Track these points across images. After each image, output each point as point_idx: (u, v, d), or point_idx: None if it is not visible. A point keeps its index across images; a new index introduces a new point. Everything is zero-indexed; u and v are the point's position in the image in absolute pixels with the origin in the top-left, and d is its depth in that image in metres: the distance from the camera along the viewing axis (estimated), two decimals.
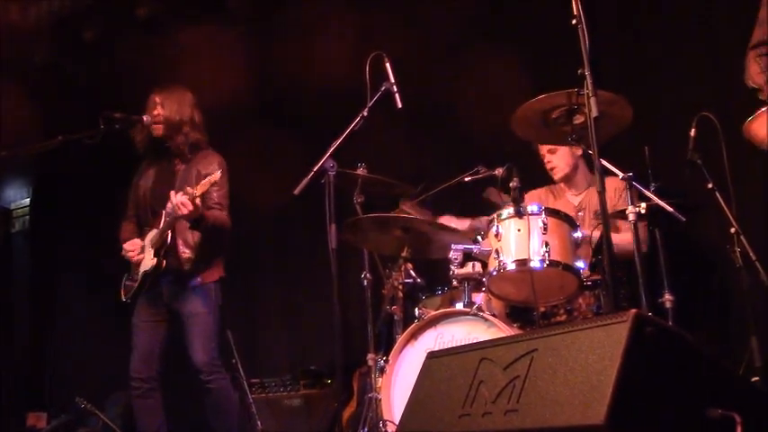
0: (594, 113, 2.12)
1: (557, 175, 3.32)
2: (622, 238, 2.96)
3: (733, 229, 2.66)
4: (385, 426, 2.78)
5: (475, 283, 2.82)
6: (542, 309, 2.82)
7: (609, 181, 2.55)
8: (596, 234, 2.75)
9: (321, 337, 4.37)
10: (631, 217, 2.62)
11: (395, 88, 2.87)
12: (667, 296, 2.69)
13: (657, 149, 2.86)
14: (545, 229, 2.61)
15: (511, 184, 2.74)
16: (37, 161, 5.68)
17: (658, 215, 2.73)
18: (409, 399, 2.05)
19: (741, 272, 2.66)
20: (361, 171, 3.14)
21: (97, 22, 5.19)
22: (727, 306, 3.21)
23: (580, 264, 2.67)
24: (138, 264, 3.23)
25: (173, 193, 3.01)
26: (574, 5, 2.20)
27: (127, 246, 3.25)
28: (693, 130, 2.75)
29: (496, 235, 2.69)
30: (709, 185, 2.73)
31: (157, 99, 3.25)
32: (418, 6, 4.32)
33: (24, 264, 6.07)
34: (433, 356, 2.10)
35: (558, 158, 3.27)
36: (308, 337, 4.66)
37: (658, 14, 3.70)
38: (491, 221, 2.74)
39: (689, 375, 1.58)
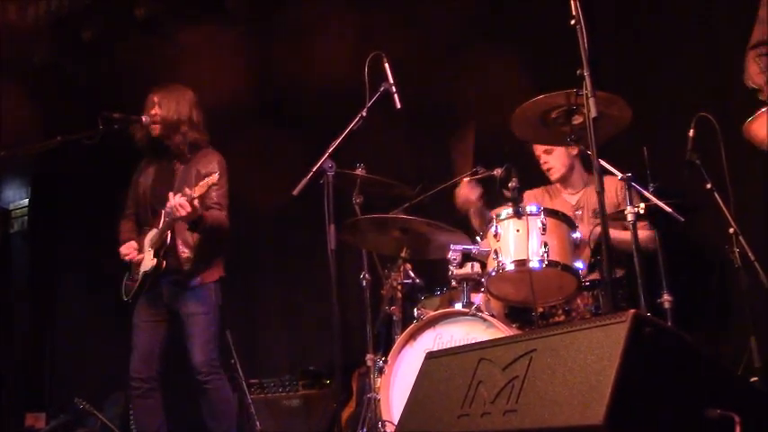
0: (593, 114, 2.12)
1: (553, 176, 3.32)
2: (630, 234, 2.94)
3: (732, 230, 2.67)
4: (384, 426, 2.78)
5: (474, 283, 2.82)
6: (541, 309, 2.82)
7: (608, 180, 2.55)
8: (597, 230, 2.74)
9: (320, 338, 4.37)
10: (630, 217, 2.62)
11: (393, 88, 2.87)
12: (666, 296, 2.70)
13: (656, 150, 2.86)
14: (544, 229, 2.62)
15: (510, 185, 2.74)
16: (36, 161, 5.68)
17: (657, 215, 2.73)
18: (408, 399, 2.05)
19: (740, 272, 2.66)
20: (359, 171, 3.14)
21: (97, 22, 5.18)
22: (726, 306, 3.21)
23: (579, 264, 2.67)
24: (139, 264, 3.23)
25: (171, 194, 3.01)
26: (572, 6, 2.20)
27: (122, 249, 3.25)
28: (692, 130, 2.75)
29: (495, 235, 2.69)
30: (708, 186, 2.73)
31: (155, 99, 3.25)
32: (418, 6, 4.32)
33: (23, 264, 6.07)
34: (431, 357, 2.10)
35: (555, 159, 3.27)
36: (307, 337, 4.65)
37: (657, 15, 3.70)
38: (491, 221, 2.74)
39: (688, 375, 1.58)
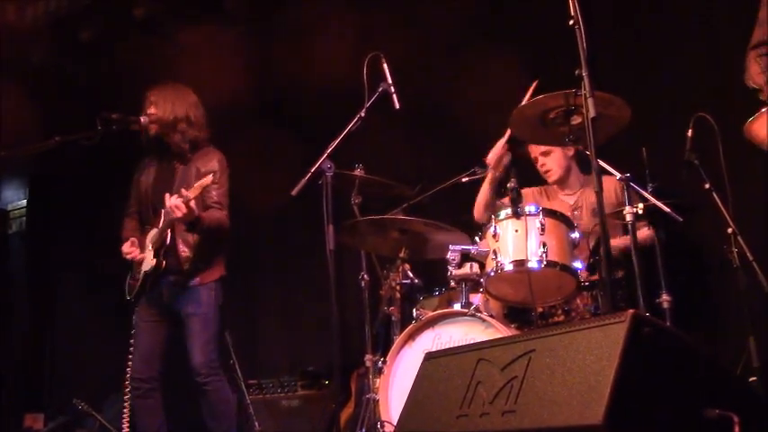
0: (592, 114, 2.12)
1: (551, 178, 3.31)
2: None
3: (730, 230, 2.67)
4: (383, 427, 2.78)
5: (472, 283, 2.82)
6: (540, 309, 2.82)
7: (607, 180, 2.55)
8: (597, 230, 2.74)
9: (319, 338, 4.37)
10: (629, 217, 2.62)
11: (392, 89, 2.87)
12: (665, 296, 2.70)
13: (655, 150, 2.86)
14: (542, 229, 2.62)
15: (508, 185, 2.74)
16: (34, 162, 5.67)
17: (656, 215, 2.73)
18: (407, 399, 2.05)
19: (738, 272, 2.66)
20: (358, 172, 3.14)
21: (96, 22, 5.18)
22: (725, 306, 3.21)
23: (578, 264, 2.67)
24: (141, 263, 3.22)
25: (167, 195, 3.00)
26: (571, 6, 2.20)
27: (124, 248, 3.25)
28: (690, 130, 2.75)
29: (494, 236, 2.69)
30: (707, 186, 2.73)
31: (151, 98, 3.24)
32: (418, 6, 4.32)
33: (21, 265, 6.06)
34: (430, 357, 2.10)
35: (552, 161, 3.27)
36: (306, 337, 4.65)
37: (656, 15, 3.70)
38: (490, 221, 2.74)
39: (686, 375, 1.58)
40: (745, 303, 2.65)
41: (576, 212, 3.19)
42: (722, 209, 2.68)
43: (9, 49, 4.91)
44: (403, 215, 3.13)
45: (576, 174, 3.32)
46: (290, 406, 4.09)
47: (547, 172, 3.30)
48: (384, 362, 2.88)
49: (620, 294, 2.80)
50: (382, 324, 3.24)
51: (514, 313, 2.97)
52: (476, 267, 2.80)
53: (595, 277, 2.75)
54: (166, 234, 3.12)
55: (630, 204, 2.68)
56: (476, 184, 3.32)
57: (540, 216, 2.64)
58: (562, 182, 3.32)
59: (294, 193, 2.71)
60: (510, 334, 2.54)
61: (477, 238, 2.84)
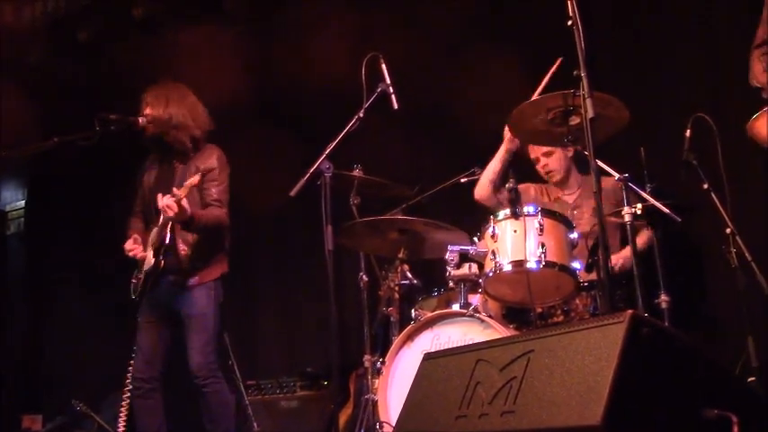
0: (591, 115, 2.12)
1: (554, 178, 3.31)
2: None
3: (728, 230, 2.67)
4: (381, 427, 2.78)
5: (471, 284, 2.82)
6: (539, 310, 2.82)
7: (605, 181, 2.55)
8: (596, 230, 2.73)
9: (318, 339, 4.37)
10: (627, 218, 2.62)
11: (390, 89, 2.87)
12: (663, 297, 2.70)
13: (653, 150, 2.86)
14: (541, 230, 2.61)
15: (507, 185, 2.74)
16: (32, 163, 5.67)
17: (654, 216, 2.73)
18: (406, 400, 2.05)
19: (737, 272, 2.66)
20: (357, 172, 3.14)
21: (95, 23, 5.18)
22: (724, 306, 3.21)
23: (576, 265, 2.67)
24: (143, 261, 3.22)
25: (159, 195, 3.01)
26: (569, 6, 2.20)
27: (126, 245, 3.25)
28: (689, 130, 2.75)
29: (493, 236, 2.68)
30: (705, 186, 2.74)
31: (147, 99, 3.24)
32: (418, 6, 4.32)
33: (20, 266, 6.06)
34: (429, 358, 2.10)
35: (554, 161, 3.27)
36: (305, 338, 4.65)
37: (654, 15, 3.70)
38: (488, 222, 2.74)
39: (685, 376, 1.58)
40: (744, 303, 2.65)
41: (574, 212, 3.19)
42: (721, 209, 2.68)
43: (8, 50, 4.91)
44: (402, 216, 3.13)
45: (574, 174, 3.32)
46: (288, 407, 4.08)
47: (549, 172, 3.30)
48: (383, 362, 2.88)
49: (619, 295, 2.81)
50: (381, 325, 3.24)
51: (513, 314, 2.97)
52: (474, 268, 2.79)
53: (594, 277, 2.75)
54: (165, 233, 3.12)
55: (629, 205, 2.68)
56: (475, 185, 3.32)
57: (539, 216, 2.63)
58: (563, 183, 3.32)
59: (293, 193, 2.71)
60: (509, 334, 2.54)
61: (475, 239, 2.84)
